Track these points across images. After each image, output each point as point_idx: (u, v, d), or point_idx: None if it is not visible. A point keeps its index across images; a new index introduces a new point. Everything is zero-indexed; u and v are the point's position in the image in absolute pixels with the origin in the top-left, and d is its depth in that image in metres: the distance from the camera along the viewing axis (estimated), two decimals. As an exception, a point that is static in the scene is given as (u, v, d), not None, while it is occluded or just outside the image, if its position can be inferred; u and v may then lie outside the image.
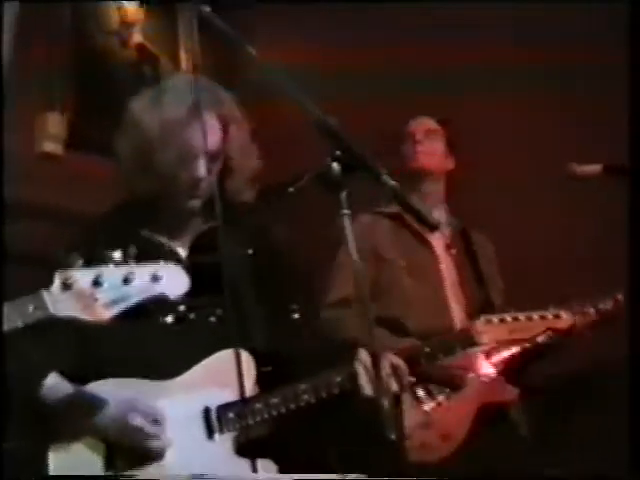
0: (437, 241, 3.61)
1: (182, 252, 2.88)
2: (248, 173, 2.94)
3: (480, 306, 3.42)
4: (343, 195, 2.23)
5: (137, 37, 4.48)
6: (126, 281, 2.28)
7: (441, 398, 3.30)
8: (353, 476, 2.42)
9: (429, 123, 3.70)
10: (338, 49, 4.61)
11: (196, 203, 2.84)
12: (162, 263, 2.34)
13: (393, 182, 2.24)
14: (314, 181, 2.28)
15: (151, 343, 2.67)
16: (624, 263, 2.83)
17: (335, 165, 2.23)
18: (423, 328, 3.30)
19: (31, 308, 2.22)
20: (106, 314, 2.25)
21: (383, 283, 3.50)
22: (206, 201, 2.86)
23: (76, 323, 2.28)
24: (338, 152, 2.23)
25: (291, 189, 2.54)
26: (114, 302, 2.26)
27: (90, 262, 2.28)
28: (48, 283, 2.25)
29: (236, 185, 2.92)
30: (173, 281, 2.33)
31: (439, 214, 3.64)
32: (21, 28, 4.24)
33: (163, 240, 2.88)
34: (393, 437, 2.19)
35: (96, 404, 2.60)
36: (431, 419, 3.26)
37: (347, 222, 2.24)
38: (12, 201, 3.86)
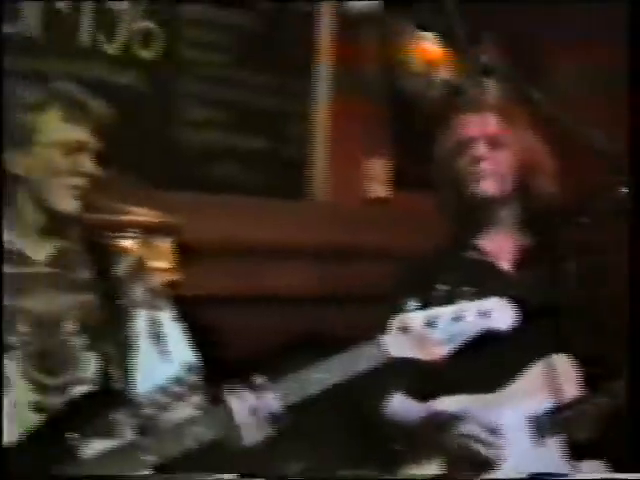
0: None
1: (507, 268, 3.02)
2: (546, 175, 3.03)
3: None
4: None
5: (442, 74, 4.67)
6: (457, 319, 2.40)
7: None
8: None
9: None
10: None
11: (491, 191, 2.98)
12: (490, 298, 2.44)
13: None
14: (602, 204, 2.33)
15: (479, 357, 2.72)
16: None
17: (623, 190, 2.30)
18: None
19: (370, 353, 2.40)
20: (440, 353, 2.39)
21: None
22: (524, 217, 2.99)
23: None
24: (624, 177, 2.30)
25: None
26: (447, 341, 2.39)
27: (422, 302, 2.42)
28: (384, 325, 2.43)
29: (538, 187, 3.02)
30: (502, 315, 2.42)
31: None
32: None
33: (488, 259, 3.03)
34: None
35: (452, 420, 2.78)
36: None
37: None
38: (344, 245, 4.14)
